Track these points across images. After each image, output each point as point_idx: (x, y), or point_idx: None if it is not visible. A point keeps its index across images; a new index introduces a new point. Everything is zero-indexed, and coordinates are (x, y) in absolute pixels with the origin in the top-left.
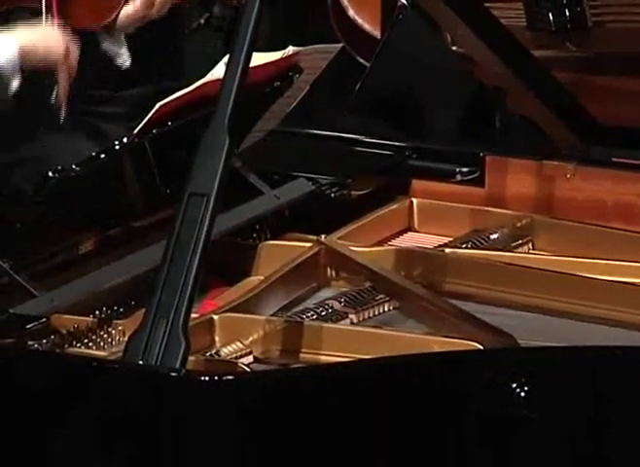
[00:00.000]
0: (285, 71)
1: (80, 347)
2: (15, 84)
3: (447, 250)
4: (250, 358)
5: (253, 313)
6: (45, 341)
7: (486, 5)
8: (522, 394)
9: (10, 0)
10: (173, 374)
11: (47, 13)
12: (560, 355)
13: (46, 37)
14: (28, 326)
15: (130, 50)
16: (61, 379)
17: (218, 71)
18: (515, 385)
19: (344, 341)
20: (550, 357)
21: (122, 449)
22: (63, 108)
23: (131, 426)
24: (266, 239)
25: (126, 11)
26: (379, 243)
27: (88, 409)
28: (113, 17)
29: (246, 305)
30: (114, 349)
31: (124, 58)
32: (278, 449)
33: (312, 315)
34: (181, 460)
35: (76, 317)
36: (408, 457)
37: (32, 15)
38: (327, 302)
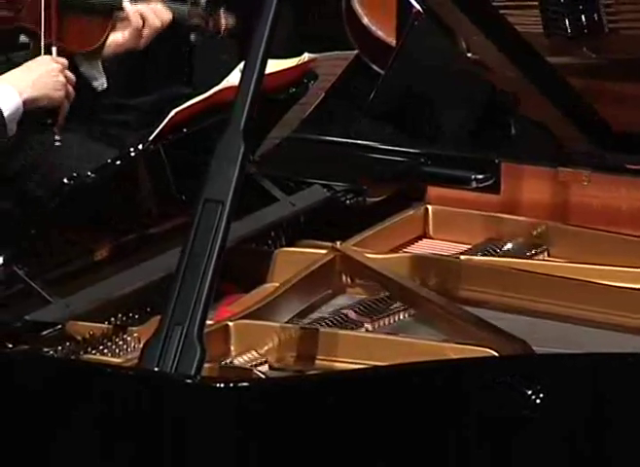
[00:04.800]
0: (300, 78)
1: (95, 354)
2: (14, 127)
3: (463, 257)
4: (265, 365)
5: (268, 320)
6: (60, 347)
7: (502, 12)
8: (537, 401)
9: (9, 20)
10: (188, 381)
11: (45, 35)
12: (575, 362)
13: (45, 78)
14: (44, 333)
15: (142, 58)
16: (76, 386)
17: (233, 78)
18: (530, 392)
19: (359, 349)
20: (564, 364)
21: (130, 454)
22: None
23: (148, 433)
24: (282, 246)
25: (116, 40)
26: (394, 250)
27: (104, 416)
28: (100, 42)
29: (261, 312)
30: (129, 356)
31: (102, 82)
32: (288, 459)
33: (327, 324)
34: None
35: (91, 324)
36: (417, 461)
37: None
38: (342, 311)
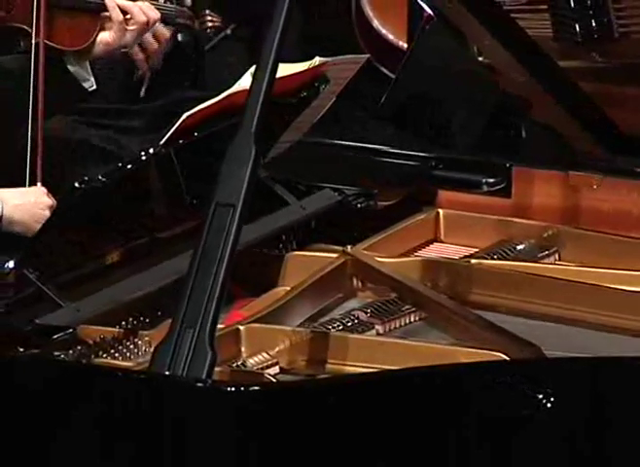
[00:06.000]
0: (311, 81)
1: (106, 358)
2: None
3: (473, 261)
4: (276, 369)
5: (279, 324)
6: (71, 351)
7: (513, 16)
8: (548, 405)
9: (0, 19)
10: (199, 384)
11: (36, 35)
12: (585, 366)
13: (30, 206)
14: (54, 336)
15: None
16: (84, 389)
17: (245, 81)
18: (541, 396)
19: (370, 352)
20: (575, 368)
21: (131, 455)
22: None
23: (159, 436)
24: (293, 250)
25: (104, 39)
26: (406, 254)
27: (115, 419)
28: (89, 42)
29: (272, 316)
30: (140, 360)
31: (91, 82)
32: (289, 460)
33: (338, 326)
34: None
35: (102, 328)
36: (418, 462)
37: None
38: (353, 312)
